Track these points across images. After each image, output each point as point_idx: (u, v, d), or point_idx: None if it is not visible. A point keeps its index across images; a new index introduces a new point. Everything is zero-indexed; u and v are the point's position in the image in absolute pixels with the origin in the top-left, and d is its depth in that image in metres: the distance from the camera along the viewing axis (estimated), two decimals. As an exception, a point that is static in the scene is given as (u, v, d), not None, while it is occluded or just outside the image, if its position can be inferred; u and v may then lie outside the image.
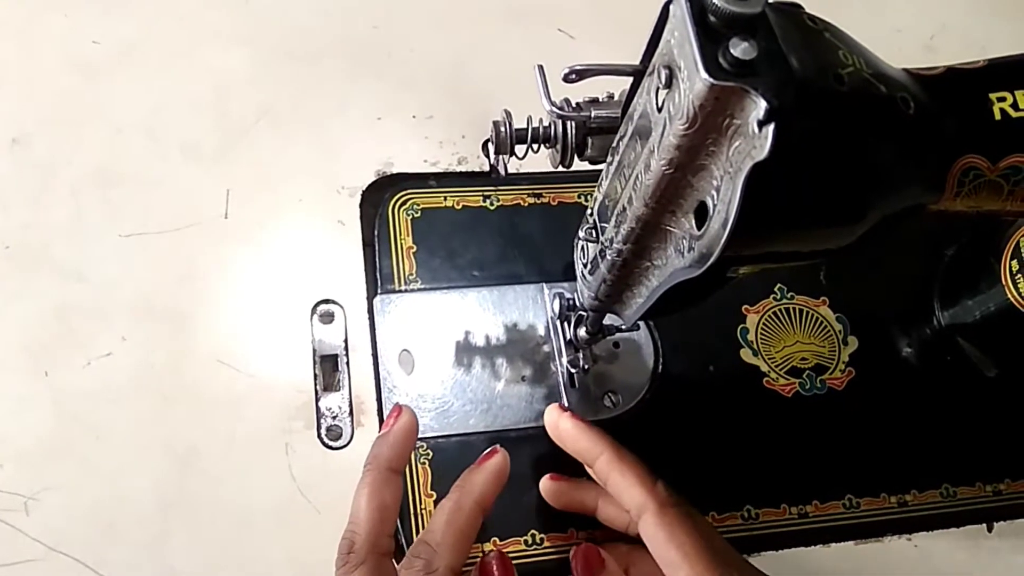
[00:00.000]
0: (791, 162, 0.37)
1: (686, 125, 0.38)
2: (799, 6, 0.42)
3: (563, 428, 0.61)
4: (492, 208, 0.74)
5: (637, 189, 0.45)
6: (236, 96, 0.76)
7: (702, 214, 0.42)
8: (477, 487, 0.53)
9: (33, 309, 0.66)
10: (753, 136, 0.36)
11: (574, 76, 0.46)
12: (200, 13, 0.80)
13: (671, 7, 0.39)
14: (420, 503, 0.63)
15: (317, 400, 0.66)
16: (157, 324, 0.67)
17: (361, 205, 0.73)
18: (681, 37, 0.37)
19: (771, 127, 0.35)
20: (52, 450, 0.62)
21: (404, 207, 0.73)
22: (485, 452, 0.55)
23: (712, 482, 0.66)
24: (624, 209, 0.47)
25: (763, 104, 0.35)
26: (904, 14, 0.91)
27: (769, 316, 0.72)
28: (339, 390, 0.67)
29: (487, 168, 0.77)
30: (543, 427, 0.66)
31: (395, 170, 0.75)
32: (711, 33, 0.36)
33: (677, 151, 0.40)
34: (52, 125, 0.73)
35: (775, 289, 0.73)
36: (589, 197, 0.75)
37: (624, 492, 0.57)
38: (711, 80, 0.35)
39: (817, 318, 0.73)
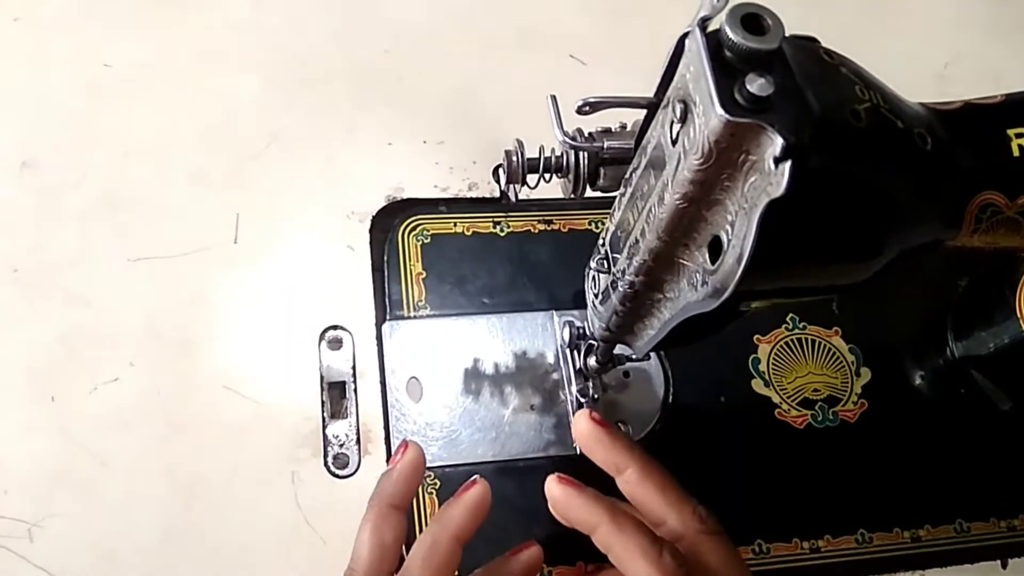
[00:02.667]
0: (807, 199, 0.36)
1: (701, 160, 0.38)
2: (815, 40, 0.41)
3: (578, 428, 0.56)
4: (502, 234, 0.74)
5: (650, 222, 0.44)
6: (246, 120, 0.76)
7: (716, 248, 0.41)
8: (454, 521, 0.51)
9: (40, 334, 0.66)
10: (769, 173, 0.35)
11: (587, 108, 0.45)
12: (211, 37, 0.80)
13: (687, 41, 0.38)
14: (427, 534, 0.62)
15: (324, 428, 0.66)
16: (164, 350, 0.67)
17: (371, 230, 0.73)
18: (697, 72, 0.37)
19: (787, 164, 0.34)
20: (57, 477, 0.62)
21: (414, 233, 0.73)
22: (465, 483, 0.54)
23: (722, 515, 0.64)
24: (637, 241, 0.47)
25: (779, 141, 0.34)
26: (918, 42, 0.91)
27: (781, 346, 0.72)
28: (346, 418, 0.67)
29: (498, 194, 0.76)
30: (552, 457, 0.66)
31: (405, 195, 0.75)
32: (727, 68, 0.36)
33: (691, 186, 0.40)
34: (61, 149, 0.73)
35: (787, 319, 0.73)
36: (600, 224, 0.75)
37: (656, 511, 0.53)
38: (727, 116, 0.35)
39: (830, 349, 0.72)
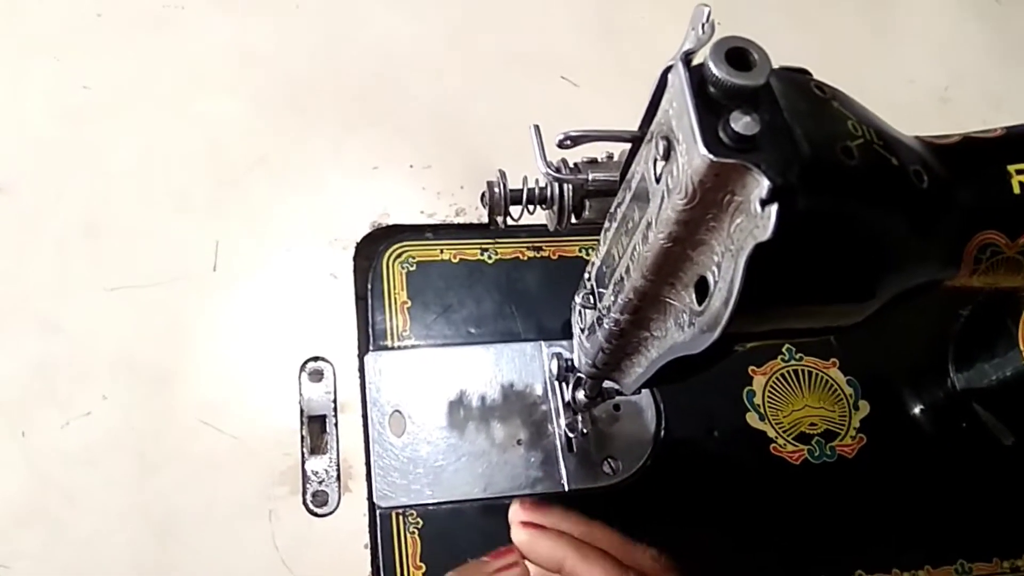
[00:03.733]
0: (796, 242, 0.34)
1: (685, 200, 0.36)
2: (807, 72, 0.39)
3: (516, 541, 0.53)
4: (490, 262, 0.72)
5: (635, 259, 0.42)
6: (228, 144, 0.74)
7: (703, 289, 0.39)
8: None
9: (11, 365, 0.64)
10: (755, 215, 0.33)
11: (569, 143, 0.43)
12: (193, 59, 0.78)
13: (669, 76, 0.36)
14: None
15: (303, 463, 0.64)
16: (139, 382, 0.64)
17: (355, 258, 0.71)
18: (680, 108, 0.35)
19: (774, 207, 0.32)
20: (25, 515, 0.60)
21: (399, 260, 0.71)
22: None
23: (715, 555, 0.63)
24: (622, 279, 0.45)
25: (766, 183, 0.33)
26: (917, 64, 0.89)
27: (777, 378, 0.70)
28: (327, 453, 0.64)
29: (485, 220, 0.74)
30: (540, 495, 0.64)
31: (391, 221, 0.73)
32: (711, 105, 0.34)
33: (676, 225, 0.38)
34: (38, 173, 0.71)
35: (783, 350, 0.71)
36: (591, 251, 0.73)
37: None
38: (710, 156, 0.33)
39: (827, 381, 0.70)
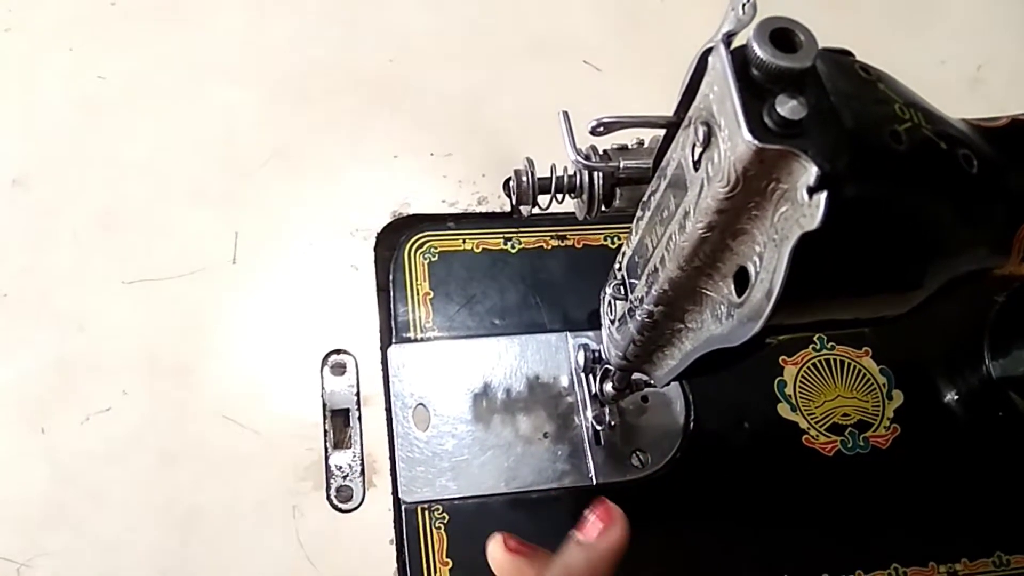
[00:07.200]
0: (844, 231, 0.33)
1: (727, 188, 0.34)
2: (850, 53, 0.38)
3: (492, 558, 0.47)
4: (513, 251, 0.71)
5: (670, 249, 0.41)
6: (245, 134, 0.73)
7: (743, 280, 0.38)
8: None
9: (31, 361, 0.63)
10: (802, 203, 0.32)
11: (602, 129, 0.42)
12: (209, 48, 0.76)
13: (710, 58, 0.35)
14: (435, 572, 0.59)
15: (327, 458, 0.63)
16: (160, 377, 0.64)
17: (376, 248, 0.70)
18: (721, 92, 0.34)
19: (823, 195, 0.31)
20: (47, 513, 0.59)
21: (421, 250, 0.70)
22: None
23: (747, 549, 0.62)
24: (656, 269, 0.43)
25: (814, 170, 0.31)
26: (949, 45, 0.87)
27: (808, 368, 0.68)
28: (350, 447, 0.63)
29: (508, 208, 0.73)
30: (567, 488, 0.63)
31: (412, 211, 0.72)
32: (755, 89, 0.33)
33: (716, 214, 0.36)
34: (54, 165, 0.70)
35: (814, 339, 0.69)
36: (616, 239, 0.71)
37: None
38: (755, 142, 0.32)
39: (859, 370, 0.69)
